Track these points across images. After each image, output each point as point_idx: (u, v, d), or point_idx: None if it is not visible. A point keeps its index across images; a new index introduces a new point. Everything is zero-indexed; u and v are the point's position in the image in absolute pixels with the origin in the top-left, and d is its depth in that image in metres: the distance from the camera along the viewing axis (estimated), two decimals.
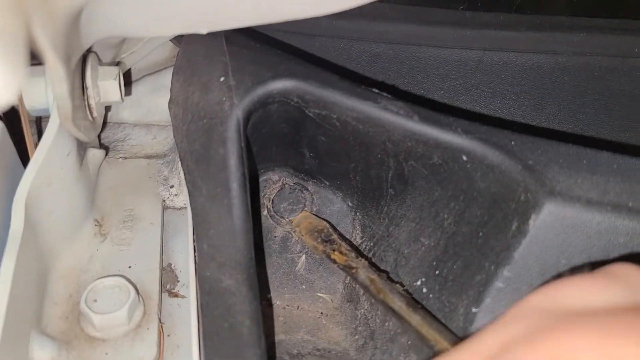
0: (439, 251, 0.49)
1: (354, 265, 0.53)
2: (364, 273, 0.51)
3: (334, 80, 0.51)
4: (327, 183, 0.61)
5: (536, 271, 0.42)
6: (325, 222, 0.59)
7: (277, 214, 0.61)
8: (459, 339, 0.44)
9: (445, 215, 0.49)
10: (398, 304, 0.48)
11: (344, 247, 0.55)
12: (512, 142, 0.45)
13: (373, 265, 0.56)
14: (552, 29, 0.59)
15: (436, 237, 0.50)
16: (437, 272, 0.49)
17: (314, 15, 0.39)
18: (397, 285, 0.51)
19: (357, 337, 0.56)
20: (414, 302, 0.48)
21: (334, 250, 0.55)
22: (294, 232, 0.60)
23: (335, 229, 0.59)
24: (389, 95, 0.50)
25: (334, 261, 0.54)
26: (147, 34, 0.45)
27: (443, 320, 0.46)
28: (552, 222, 0.41)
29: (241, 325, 0.44)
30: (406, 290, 0.51)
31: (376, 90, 0.50)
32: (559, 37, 0.58)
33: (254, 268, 0.49)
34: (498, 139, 0.46)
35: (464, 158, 0.47)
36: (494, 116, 0.59)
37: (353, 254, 0.54)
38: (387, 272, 0.55)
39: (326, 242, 0.56)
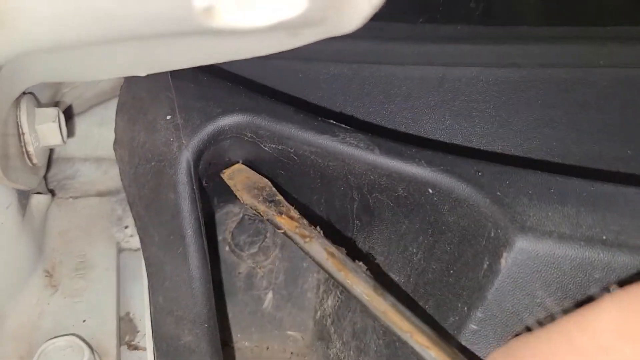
0: (410, 289, 0.47)
1: (306, 233, 0.43)
2: (319, 244, 0.42)
3: (289, 113, 0.48)
4: None
5: (510, 312, 0.40)
6: (266, 180, 0.49)
7: (237, 248, 0.58)
8: (435, 331, 0.38)
9: (414, 250, 0.47)
10: (362, 285, 0.39)
11: (293, 210, 0.45)
12: (479, 173, 0.43)
13: (330, 237, 0.45)
14: (514, 41, 0.57)
15: (406, 274, 0.47)
16: None
17: (257, 55, 0.36)
18: (360, 263, 0.42)
19: None
20: (381, 286, 0.40)
21: (280, 213, 0.45)
22: (229, 185, 0.50)
23: (280, 190, 0.49)
24: (348, 127, 0.47)
25: (279, 227, 0.44)
26: (81, 80, 0.41)
27: None
28: (525, 260, 0.39)
29: None
30: (370, 270, 0.42)
31: (334, 122, 0.47)
32: (522, 49, 0.56)
33: (215, 319, 0.46)
34: (464, 170, 0.43)
35: (430, 191, 0.44)
36: (460, 136, 0.56)
37: (305, 221, 0.44)
38: (352, 240, 0.47)
39: (270, 202, 0.46)
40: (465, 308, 0.41)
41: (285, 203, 0.47)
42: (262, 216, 0.46)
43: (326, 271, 0.42)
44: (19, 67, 0.37)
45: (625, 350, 0.22)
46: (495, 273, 0.40)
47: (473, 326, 0.41)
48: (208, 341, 0.44)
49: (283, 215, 0.45)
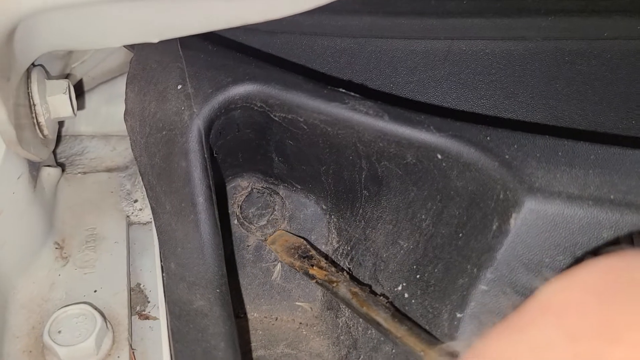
0: (419, 254, 0.47)
1: (334, 279, 0.50)
2: (345, 287, 0.49)
3: (298, 81, 0.48)
4: (299, 187, 0.59)
5: (520, 272, 0.40)
6: (302, 239, 0.57)
7: (246, 221, 0.58)
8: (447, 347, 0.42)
9: (423, 216, 0.48)
10: (383, 315, 0.45)
11: (323, 261, 0.53)
12: (488, 138, 0.43)
13: (354, 279, 0.53)
14: (520, 14, 0.57)
15: (415, 240, 0.48)
16: (417, 276, 0.47)
17: (270, 18, 0.37)
18: (381, 297, 0.49)
19: (339, 347, 0.54)
20: (399, 314, 0.46)
21: (312, 266, 0.52)
22: (270, 249, 0.58)
23: (313, 246, 0.57)
24: (357, 95, 0.47)
25: (313, 277, 0.52)
26: (92, 47, 0.42)
27: (427, 327, 0.44)
28: (534, 220, 0.39)
29: (215, 350, 0.42)
30: (390, 303, 0.49)
31: (343, 90, 0.48)
32: (527, 22, 0.57)
33: (227, 285, 0.47)
34: (472, 135, 0.44)
35: (439, 156, 0.45)
36: (466, 108, 0.57)
37: (333, 269, 0.52)
38: (369, 286, 0.53)
39: (304, 258, 0.54)
40: (475, 269, 0.42)
41: (317, 256, 0.54)
42: (298, 270, 0.53)
43: (352, 308, 0.48)
44: (31, 30, 0.37)
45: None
46: (505, 234, 0.40)
47: (483, 287, 0.41)
48: (220, 305, 0.45)
49: (314, 267, 0.52)
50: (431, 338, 0.42)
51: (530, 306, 0.24)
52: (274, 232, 0.58)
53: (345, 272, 0.51)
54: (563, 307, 0.23)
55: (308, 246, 0.55)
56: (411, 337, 0.42)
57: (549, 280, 0.25)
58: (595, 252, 0.40)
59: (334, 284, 0.49)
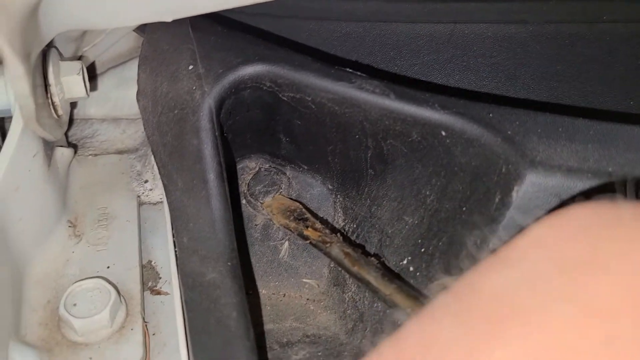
0: (423, 229, 0.49)
1: (327, 240, 0.52)
2: (338, 247, 0.51)
3: (307, 62, 0.49)
4: (306, 167, 0.60)
5: None
6: (298, 203, 0.58)
7: (253, 199, 0.60)
8: None
9: (427, 192, 0.49)
10: (373, 275, 0.47)
11: (317, 223, 0.55)
12: (490, 115, 0.45)
13: (348, 240, 0.55)
14: None
15: (419, 215, 0.50)
16: (422, 249, 0.48)
17: None
18: (372, 258, 0.51)
19: (346, 320, 0.55)
20: (389, 274, 0.48)
21: (307, 227, 0.54)
22: (266, 213, 0.59)
23: (309, 209, 0.59)
24: (364, 75, 0.49)
25: (307, 238, 0.54)
26: (109, 25, 0.43)
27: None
28: (535, 192, 0.41)
29: (228, 319, 0.43)
30: (382, 263, 0.51)
31: (350, 70, 0.49)
32: (529, 6, 0.58)
33: (237, 259, 0.48)
34: (476, 112, 0.45)
35: (443, 133, 0.46)
36: (470, 89, 0.58)
37: (327, 230, 0.54)
38: (362, 246, 0.54)
39: (299, 220, 0.56)
40: (478, 241, 0.43)
41: (312, 218, 0.55)
42: (292, 232, 0.55)
43: (344, 268, 0.50)
44: (53, 6, 0.39)
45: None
46: (507, 206, 0.42)
47: None
48: (231, 278, 0.46)
49: (309, 229, 0.54)
50: (420, 296, 0.44)
51: (521, 241, 0.25)
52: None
53: (338, 233, 0.53)
54: (554, 242, 0.24)
55: (304, 209, 0.57)
56: (399, 295, 0.44)
57: (540, 218, 0.27)
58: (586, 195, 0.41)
59: (327, 245, 0.51)
